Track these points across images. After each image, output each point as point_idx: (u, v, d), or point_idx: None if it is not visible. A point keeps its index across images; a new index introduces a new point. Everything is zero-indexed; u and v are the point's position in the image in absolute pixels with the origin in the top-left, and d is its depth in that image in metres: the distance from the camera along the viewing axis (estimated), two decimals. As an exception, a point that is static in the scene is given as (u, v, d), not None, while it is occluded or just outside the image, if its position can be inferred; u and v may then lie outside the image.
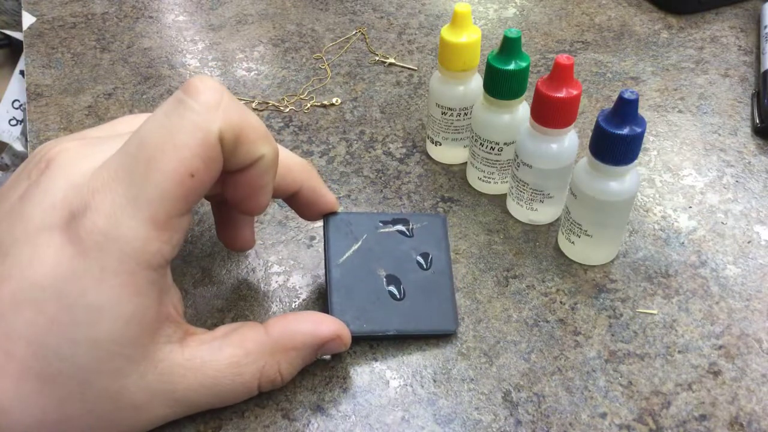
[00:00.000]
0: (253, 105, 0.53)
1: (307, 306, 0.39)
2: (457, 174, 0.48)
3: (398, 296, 0.37)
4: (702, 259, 0.42)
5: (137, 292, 0.28)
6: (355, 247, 0.38)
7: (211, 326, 0.38)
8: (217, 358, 0.31)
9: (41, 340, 0.28)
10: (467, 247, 0.43)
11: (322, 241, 0.39)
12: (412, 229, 0.40)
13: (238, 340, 0.32)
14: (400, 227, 0.39)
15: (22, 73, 0.95)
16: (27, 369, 0.28)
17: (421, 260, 0.39)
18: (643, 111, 0.53)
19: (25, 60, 0.59)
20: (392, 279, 0.38)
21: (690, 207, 0.45)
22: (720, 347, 0.37)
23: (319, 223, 0.43)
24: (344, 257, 0.38)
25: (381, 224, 0.39)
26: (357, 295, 0.37)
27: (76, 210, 0.28)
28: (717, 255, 0.42)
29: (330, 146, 0.50)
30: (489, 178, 0.45)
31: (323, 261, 0.38)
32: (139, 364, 0.29)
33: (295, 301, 0.40)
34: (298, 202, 0.37)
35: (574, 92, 0.38)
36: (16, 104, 0.95)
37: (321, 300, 0.40)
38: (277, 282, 0.41)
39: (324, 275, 0.37)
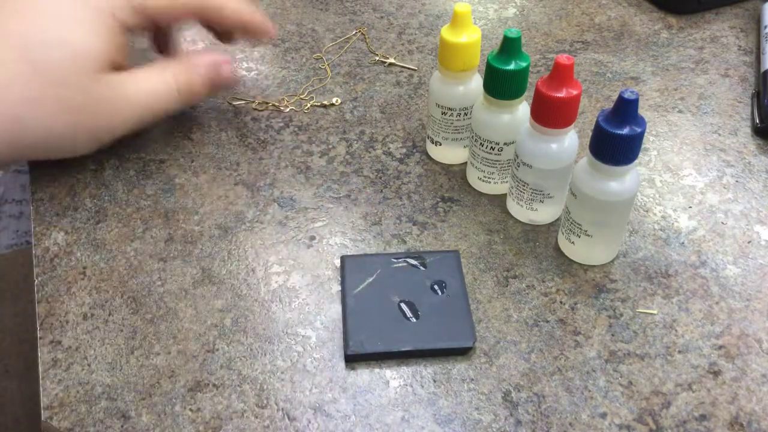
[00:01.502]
0: (254, 105, 0.53)
1: (307, 305, 0.39)
2: (457, 174, 0.48)
3: (413, 317, 0.38)
4: (702, 259, 0.42)
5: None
6: (370, 279, 0.39)
7: (211, 326, 0.38)
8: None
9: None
10: (467, 247, 0.43)
11: (339, 279, 0.41)
12: (425, 263, 0.40)
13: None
14: (413, 261, 0.40)
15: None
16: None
17: (436, 287, 0.39)
18: (643, 111, 0.53)
19: (25, 60, 0.59)
20: (406, 303, 0.38)
21: (690, 207, 0.45)
22: (720, 347, 0.37)
23: (321, 222, 0.44)
24: (359, 289, 0.39)
25: (394, 260, 0.40)
26: (372, 318, 0.38)
27: None
28: (717, 255, 0.42)
29: (330, 146, 0.50)
30: (489, 178, 0.45)
31: (340, 294, 0.40)
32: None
33: (295, 301, 0.40)
34: (218, 23, 0.48)
35: (574, 92, 0.38)
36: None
37: (321, 300, 0.40)
38: (277, 282, 0.41)
39: (341, 308, 0.39)
